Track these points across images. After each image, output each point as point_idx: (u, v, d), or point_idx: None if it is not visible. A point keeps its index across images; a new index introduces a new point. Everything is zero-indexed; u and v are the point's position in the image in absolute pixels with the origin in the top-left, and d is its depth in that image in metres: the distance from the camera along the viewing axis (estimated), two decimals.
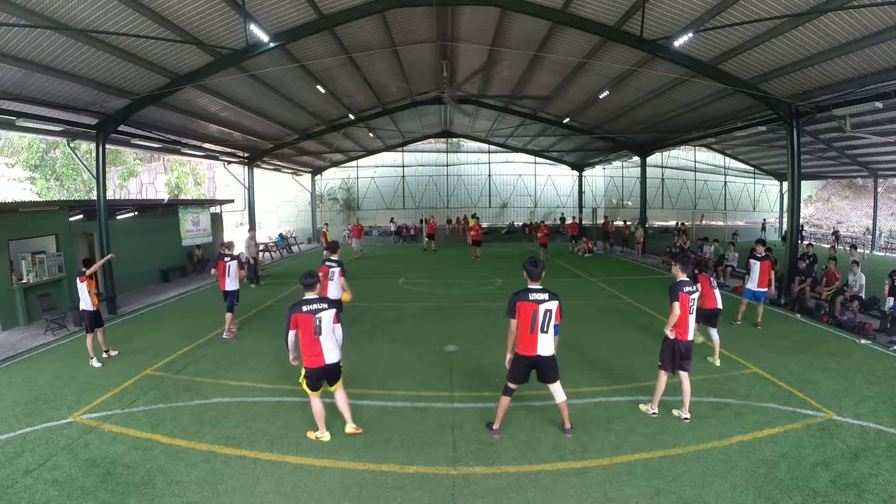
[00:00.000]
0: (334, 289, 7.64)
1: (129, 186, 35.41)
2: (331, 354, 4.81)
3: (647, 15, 9.30)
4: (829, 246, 16.43)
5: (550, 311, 4.68)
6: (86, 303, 7.43)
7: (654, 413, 5.44)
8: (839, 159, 21.44)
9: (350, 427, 5.14)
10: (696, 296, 5.42)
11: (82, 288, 7.40)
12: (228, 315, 8.86)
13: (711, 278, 7.52)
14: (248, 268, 14.64)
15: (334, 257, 8.03)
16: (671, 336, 5.32)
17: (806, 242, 15.97)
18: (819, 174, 26.57)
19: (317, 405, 4.96)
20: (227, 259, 8.96)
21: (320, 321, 4.74)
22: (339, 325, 4.92)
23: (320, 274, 6.99)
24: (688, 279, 5.38)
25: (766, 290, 9.01)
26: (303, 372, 4.86)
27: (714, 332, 7.24)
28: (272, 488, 4.22)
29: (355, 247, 21.09)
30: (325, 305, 4.81)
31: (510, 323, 4.77)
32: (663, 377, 5.40)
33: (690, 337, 5.33)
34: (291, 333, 4.77)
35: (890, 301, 9.07)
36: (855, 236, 27.46)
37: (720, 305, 7.23)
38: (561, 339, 4.96)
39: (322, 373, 4.83)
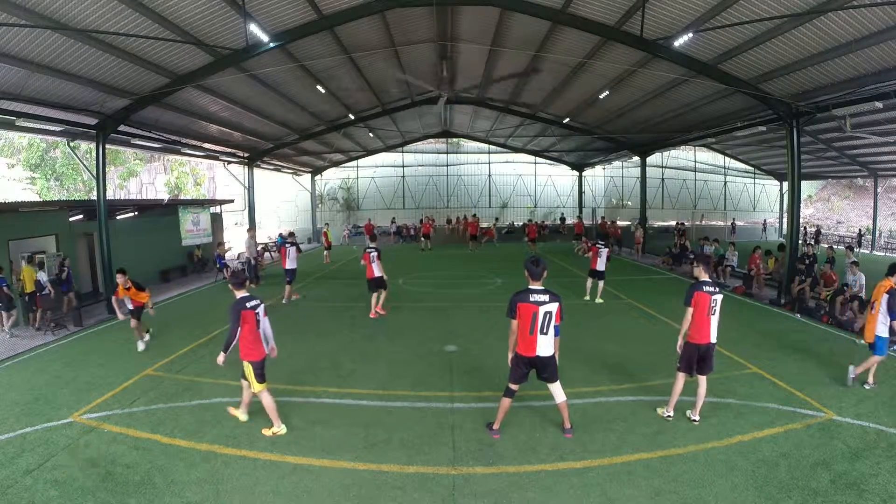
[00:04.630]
0: (375, 269, 9.84)
1: (129, 186, 35.44)
2: (266, 346, 5.22)
3: (647, 15, 9.30)
4: (826, 246, 16.40)
5: (550, 312, 4.68)
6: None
7: (669, 416, 5.30)
8: (839, 159, 21.46)
9: (244, 416, 5.43)
10: (718, 297, 5.14)
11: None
12: (288, 287, 11.63)
13: (600, 248, 11.14)
14: (248, 268, 14.70)
15: (373, 244, 10.16)
16: (680, 342, 5.26)
17: (805, 243, 15.92)
18: (819, 174, 26.58)
19: (268, 399, 5.16)
20: (287, 245, 11.97)
21: (259, 315, 5.13)
22: (267, 318, 5.30)
23: (363, 261, 9.91)
24: (708, 280, 5.23)
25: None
26: (250, 368, 5.05)
27: (589, 282, 11.35)
28: (272, 488, 4.22)
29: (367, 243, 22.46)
30: (259, 301, 5.20)
31: (511, 323, 4.78)
32: (680, 379, 5.24)
33: (712, 340, 5.14)
34: (240, 330, 4.99)
35: None
36: (854, 236, 27.50)
37: (600, 268, 11.11)
38: (561, 339, 4.95)
39: (263, 364, 5.14)
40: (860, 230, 27.51)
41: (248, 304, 5.04)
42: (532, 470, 4.46)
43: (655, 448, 4.78)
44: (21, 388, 6.50)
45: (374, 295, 10.11)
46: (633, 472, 4.39)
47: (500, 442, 4.95)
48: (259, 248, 18.36)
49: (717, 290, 5.21)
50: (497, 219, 28.85)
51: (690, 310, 5.15)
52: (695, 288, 5.17)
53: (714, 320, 5.16)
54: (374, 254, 9.85)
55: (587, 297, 11.26)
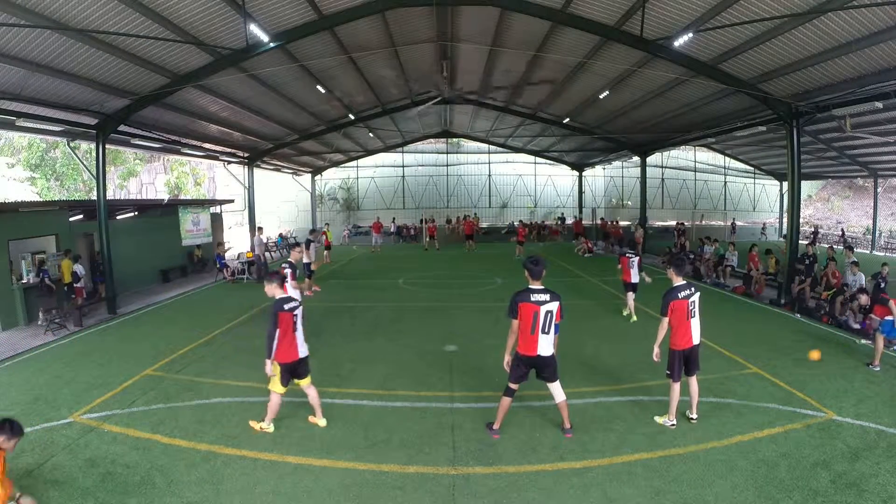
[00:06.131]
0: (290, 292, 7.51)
1: (129, 186, 35.40)
2: (303, 348, 5.12)
3: (647, 15, 9.30)
4: (827, 246, 16.43)
5: (551, 312, 4.68)
6: None
7: (673, 424, 5.20)
8: (839, 159, 21.44)
9: (322, 422, 5.34)
10: (695, 298, 5.09)
11: None
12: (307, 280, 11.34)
13: (631, 258, 9.87)
14: (256, 266, 14.84)
15: (291, 259, 7.86)
16: (657, 352, 5.22)
17: (806, 242, 15.96)
18: (819, 174, 26.57)
19: (276, 400, 5.13)
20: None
21: (297, 317, 5.09)
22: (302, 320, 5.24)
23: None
24: (683, 283, 5.16)
25: (888, 319, 7.11)
26: (278, 369, 5.00)
27: (630, 296, 9.91)
28: (272, 488, 4.22)
29: (374, 242, 23.53)
30: (297, 303, 5.17)
31: (511, 323, 4.76)
32: (675, 388, 5.13)
33: (696, 342, 5.10)
34: (278, 332, 4.94)
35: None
36: (854, 236, 27.52)
37: (635, 280, 9.80)
38: (561, 339, 4.96)
39: (293, 368, 5.07)
40: (842, 230, 27.66)
41: (286, 306, 4.97)
42: (532, 470, 4.46)
43: (655, 448, 4.78)
44: (21, 388, 6.50)
45: None
46: (633, 472, 4.39)
47: (500, 442, 4.95)
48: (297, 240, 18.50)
49: (693, 289, 5.15)
50: (557, 217, 29.15)
51: (666, 320, 5.10)
52: (669, 297, 5.07)
53: (695, 322, 5.10)
54: (289, 272, 7.43)
55: (634, 318, 9.84)
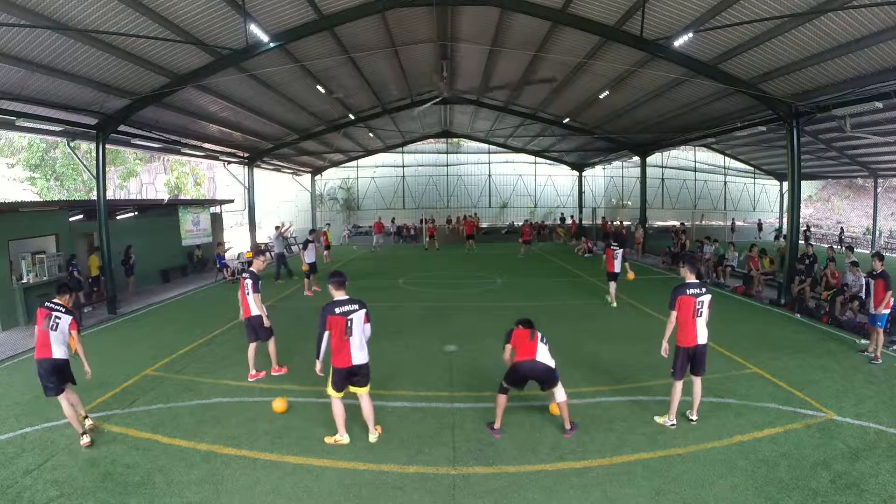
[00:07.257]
0: (252, 305, 6.57)
1: (129, 186, 35.39)
2: (359, 354, 4.76)
3: (647, 15, 9.29)
4: (827, 246, 16.42)
5: (545, 338, 5.02)
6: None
7: (673, 424, 5.18)
8: (839, 159, 21.44)
9: (373, 437, 5.03)
10: (704, 298, 5.06)
11: None
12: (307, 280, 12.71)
13: (615, 250, 10.74)
14: (277, 265, 15.02)
15: (253, 268, 6.85)
16: (665, 346, 5.27)
17: (802, 242, 15.95)
18: (819, 174, 26.57)
19: (338, 407, 4.86)
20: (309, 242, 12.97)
21: (352, 322, 4.70)
22: (368, 325, 4.88)
23: (239, 292, 6.73)
24: (695, 281, 5.19)
25: (883, 313, 7.20)
26: (330, 372, 4.80)
27: (612, 285, 10.97)
28: (272, 488, 4.22)
29: (374, 242, 23.83)
30: (357, 306, 4.77)
31: (506, 348, 5.07)
32: (677, 387, 5.12)
33: (701, 341, 5.06)
34: (326, 335, 4.70)
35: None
36: (854, 236, 27.53)
37: (617, 270, 10.82)
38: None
39: (347, 374, 4.77)
40: (841, 228, 27.93)
41: (338, 310, 4.65)
42: (532, 470, 4.46)
43: (655, 448, 4.78)
44: (21, 388, 6.49)
45: (252, 347, 6.77)
46: (633, 472, 4.39)
47: (500, 442, 4.95)
48: (262, 247, 18.47)
49: (704, 290, 5.15)
50: (560, 218, 29.19)
51: (674, 314, 5.11)
52: (678, 291, 5.10)
53: (701, 322, 5.09)
54: (249, 283, 6.56)
55: (614, 304, 10.94)
